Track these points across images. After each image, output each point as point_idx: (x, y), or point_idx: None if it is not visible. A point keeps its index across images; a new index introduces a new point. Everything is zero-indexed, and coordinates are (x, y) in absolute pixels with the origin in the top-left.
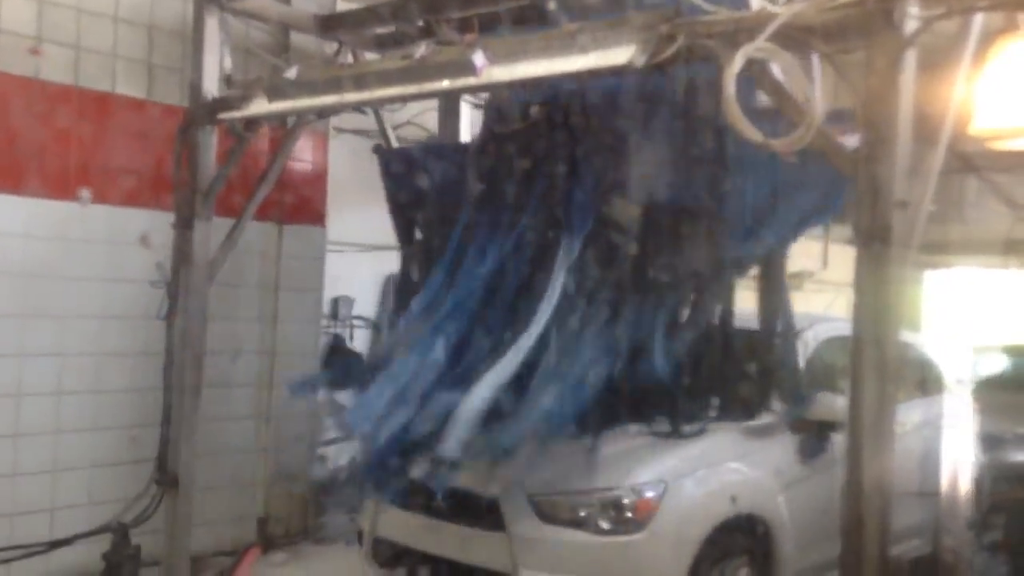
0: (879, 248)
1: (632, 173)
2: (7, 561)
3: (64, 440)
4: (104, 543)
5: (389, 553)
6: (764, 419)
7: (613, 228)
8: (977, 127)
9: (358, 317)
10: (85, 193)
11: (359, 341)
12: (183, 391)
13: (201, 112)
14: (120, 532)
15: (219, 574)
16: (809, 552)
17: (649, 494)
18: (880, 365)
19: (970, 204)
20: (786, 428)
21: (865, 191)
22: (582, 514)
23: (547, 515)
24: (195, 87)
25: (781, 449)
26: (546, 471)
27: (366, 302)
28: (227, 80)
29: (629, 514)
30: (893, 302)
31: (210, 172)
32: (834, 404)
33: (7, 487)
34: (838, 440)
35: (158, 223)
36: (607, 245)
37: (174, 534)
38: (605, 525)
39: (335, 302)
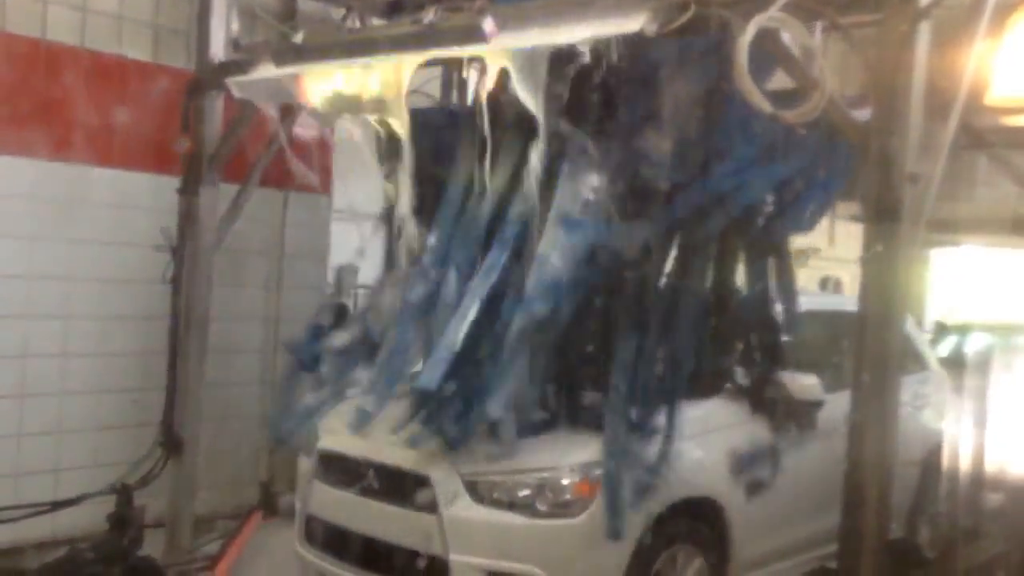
0: (888, 222)
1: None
2: (13, 520)
3: (69, 402)
4: (108, 504)
5: (322, 532)
6: (720, 397)
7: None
8: (992, 98)
9: (362, 286)
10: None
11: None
12: (187, 356)
13: (207, 76)
14: (124, 493)
15: (222, 536)
16: (767, 537)
17: (590, 475)
18: (885, 341)
19: (980, 182)
20: (745, 407)
21: (875, 164)
22: (518, 496)
23: (481, 496)
24: (201, 51)
25: (738, 429)
26: (481, 449)
27: (371, 271)
28: (234, 44)
29: (568, 496)
30: (900, 277)
31: (216, 137)
32: (796, 383)
33: (13, 447)
34: (799, 420)
35: (163, 188)
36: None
37: (178, 496)
38: (542, 508)
39: (339, 270)
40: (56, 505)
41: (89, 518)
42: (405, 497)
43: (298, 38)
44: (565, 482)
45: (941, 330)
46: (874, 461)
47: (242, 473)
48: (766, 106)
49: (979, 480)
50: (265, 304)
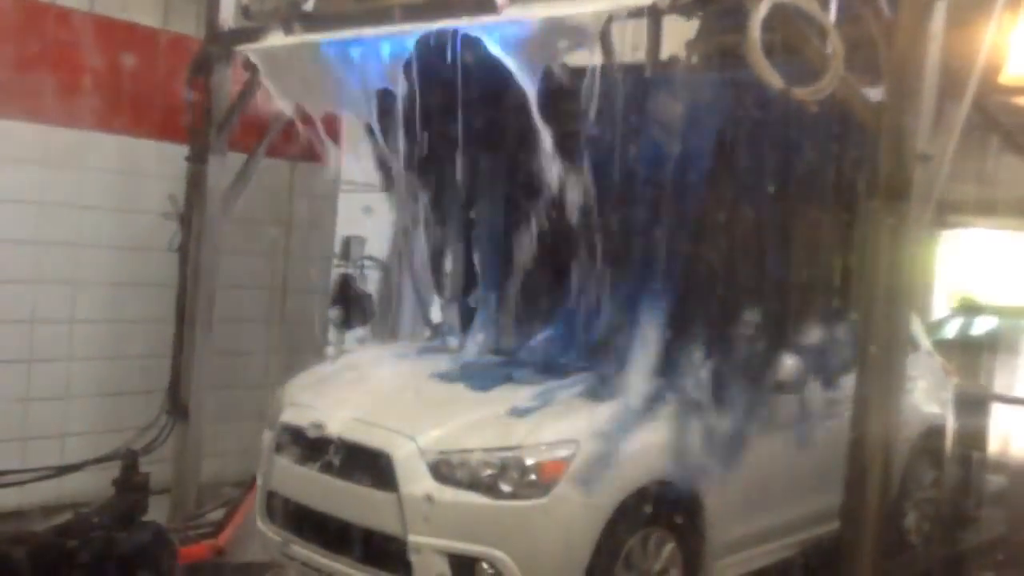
0: (898, 200)
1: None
2: (20, 484)
3: (76, 368)
4: (113, 470)
5: (283, 509)
6: (697, 375)
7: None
8: (1008, 75)
9: (369, 257)
10: None
11: (370, 282)
12: (195, 324)
13: (217, 44)
14: (130, 459)
15: (225, 504)
16: (744, 521)
17: (556, 455)
18: (891, 318)
19: (991, 163)
20: (720, 386)
21: (887, 143)
22: (482, 475)
23: (443, 475)
24: (211, 18)
25: (715, 409)
26: (444, 425)
27: (377, 243)
28: (244, 11)
29: (533, 476)
30: (908, 256)
31: (225, 105)
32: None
33: (20, 412)
34: (780, 402)
35: (172, 155)
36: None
37: (182, 463)
38: (506, 488)
39: (346, 241)
40: (62, 470)
41: (95, 483)
42: (365, 475)
43: (308, 6)
44: (530, 462)
45: (966, 309)
46: (878, 437)
47: (247, 441)
48: (778, 83)
49: (981, 463)
50: (272, 273)
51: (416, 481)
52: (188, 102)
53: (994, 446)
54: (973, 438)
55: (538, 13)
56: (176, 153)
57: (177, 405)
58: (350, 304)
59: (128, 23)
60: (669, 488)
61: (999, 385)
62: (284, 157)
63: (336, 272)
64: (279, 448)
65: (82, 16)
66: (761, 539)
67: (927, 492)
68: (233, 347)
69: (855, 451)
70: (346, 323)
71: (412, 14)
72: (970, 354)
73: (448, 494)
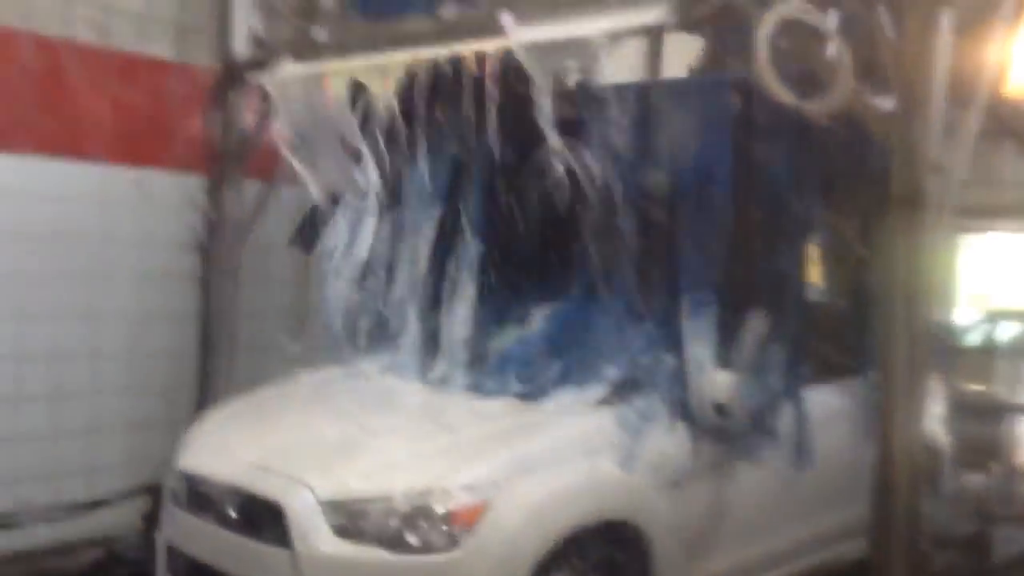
0: (912, 213)
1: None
2: (50, 521)
3: (101, 402)
4: (143, 504)
5: (183, 567)
6: (640, 400)
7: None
8: (1012, 86)
9: None
10: None
11: None
12: (217, 353)
13: (230, 74)
14: (158, 493)
15: None
16: (699, 563)
17: (471, 500)
18: (911, 332)
19: (1008, 167)
20: (674, 413)
21: (899, 155)
22: (386, 526)
23: (343, 528)
24: (224, 49)
25: (665, 438)
26: (349, 468)
27: None
28: (257, 41)
29: (444, 527)
30: (925, 267)
31: (241, 134)
32: (731, 384)
33: (48, 448)
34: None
35: (189, 185)
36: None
37: None
38: (413, 541)
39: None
40: (91, 505)
41: (125, 518)
42: (259, 529)
43: (320, 35)
44: (440, 509)
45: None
46: (905, 453)
47: None
48: (789, 98)
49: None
50: (293, 300)
51: (312, 536)
52: (204, 132)
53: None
54: (983, 449)
55: (545, 34)
56: (194, 183)
57: None
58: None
59: (142, 56)
60: (608, 530)
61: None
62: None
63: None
64: (175, 498)
65: (97, 51)
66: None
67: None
68: (258, 375)
69: (882, 470)
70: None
71: (420, 40)
72: (993, 360)
73: (348, 550)
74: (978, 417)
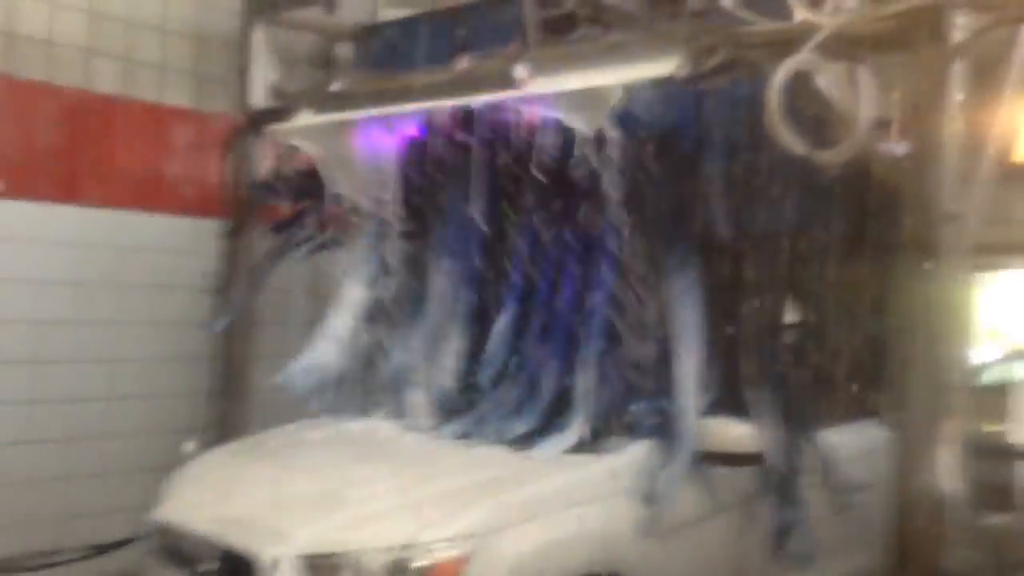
0: (926, 260)
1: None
2: (65, 563)
3: (116, 444)
4: None
5: None
6: (628, 449)
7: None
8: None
9: None
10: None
11: None
12: (232, 396)
13: (248, 123)
14: None
15: None
16: None
17: (452, 553)
18: (928, 377)
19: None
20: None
21: (912, 202)
22: None
23: None
24: (242, 98)
25: (656, 487)
26: (326, 520)
27: None
28: (274, 91)
29: None
30: (942, 314)
31: (257, 181)
32: (731, 432)
33: (61, 491)
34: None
35: (207, 231)
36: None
37: None
38: None
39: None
40: (106, 548)
41: (140, 560)
42: None
43: (336, 86)
44: (416, 564)
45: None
46: (921, 498)
47: None
48: (800, 149)
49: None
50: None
51: None
52: (221, 178)
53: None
54: (1001, 491)
55: (560, 86)
56: (211, 229)
57: None
58: None
59: (162, 105)
60: None
61: None
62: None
63: None
64: (153, 551)
65: (118, 100)
66: None
67: None
68: (271, 419)
69: (899, 517)
70: None
71: (435, 91)
72: (1010, 399)
73: None
74: (995, 459)
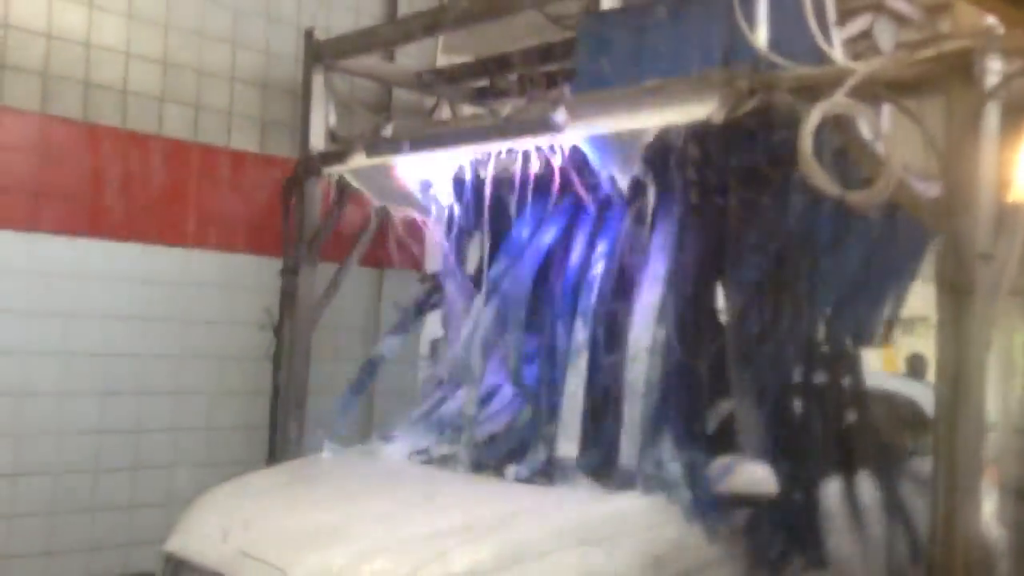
0: (962, 301)
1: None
2: None
3: (178, 474)
4: None
5: None
6: (635, 491)
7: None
8: None
9: None
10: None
11: None
12: (287, 430)
13: (307, 166)
14: None
15: None
16: None
17: None
18: (967, 422)
19: None
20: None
21: (947, 243)
22: None
23: None
24: (302, 142)
25: (668, 528)
26: (330, 553)
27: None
28: (332, 135)
29: None
30: (979, 355)
31: (316, 221)
32: (756, 475)
33: (126, 520)
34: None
35: (266, 268)
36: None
37: None
38: None
39: (434, 343)
40: None
41: None
42: None
43: (387, 131)
44: None
45: None
46: (961, 546)
47: None
48: (834, 190)
49: None
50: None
51: None
52: (282, 218)
53: None
54: None
55: (598, 130)
56: (270, 266)
57: None
58: None
59: (227, 149)
60: None
61: None
62: (372, 265)
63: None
64: None
65: (186, 145)
66: None
67: None
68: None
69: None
70: None
71: (480, 135)
72: None
73: None
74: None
